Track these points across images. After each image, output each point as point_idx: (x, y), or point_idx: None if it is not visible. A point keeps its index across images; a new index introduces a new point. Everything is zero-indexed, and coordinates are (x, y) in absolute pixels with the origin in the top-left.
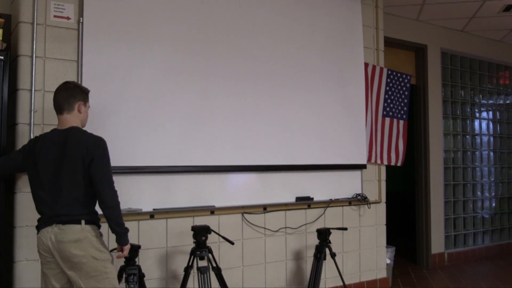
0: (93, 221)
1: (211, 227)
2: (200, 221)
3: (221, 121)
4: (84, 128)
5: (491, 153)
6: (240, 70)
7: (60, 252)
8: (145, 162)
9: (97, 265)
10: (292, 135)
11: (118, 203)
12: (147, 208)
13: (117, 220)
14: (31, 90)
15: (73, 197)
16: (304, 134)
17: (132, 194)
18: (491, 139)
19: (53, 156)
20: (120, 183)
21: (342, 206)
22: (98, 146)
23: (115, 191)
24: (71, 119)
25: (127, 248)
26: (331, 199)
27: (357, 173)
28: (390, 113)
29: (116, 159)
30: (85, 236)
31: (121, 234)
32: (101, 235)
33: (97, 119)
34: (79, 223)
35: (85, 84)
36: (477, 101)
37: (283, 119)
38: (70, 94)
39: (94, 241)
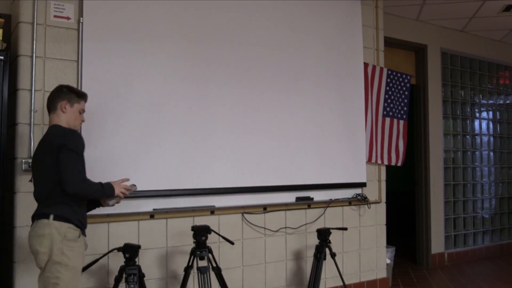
0: (65, 218)
1: (211, 227)
2: (200, 221)
3: (220, 136)
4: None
5: (491, 153)
6: (239, 72)
7: (30, 247)
8: (142, 186)
9: (51, 267)
10: (291, 152)
11: (86, 188)
12: (147, 208)
13: (92, 195)
14: (31, 90)
15: (46, 193)
16: (303, 151)
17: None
18: (491, 139)
19: (36, 155)
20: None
21: (342, 206)
22: (65, 136)
23: (82, 180)
24: (54, 118)
25: (120, 191)
26: (331, 199)
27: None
28: (390, 113)
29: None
30: (49, 232)
31: (102, 195)
32: (79, 236)
33: (95, 132)
34: (47, 217)
35: (84, 84)
36: (477, 101)
37: (282, 135)
38: (55, 94)
39: (57, 239)
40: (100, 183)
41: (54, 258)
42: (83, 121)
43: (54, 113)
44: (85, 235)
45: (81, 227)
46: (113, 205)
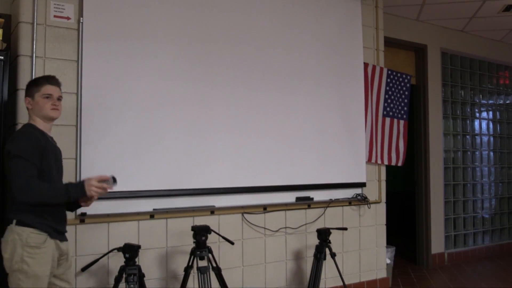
0: (26, 223)
1: (211, 227)
2: (200, 221)
3: (220, 136)
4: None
5: (491, 153)
6: (239, 73)
7: None
8: (142, 186)
9: (12, 274)
10: (291, 153)
11: (33, 196)
12: (147, 208)
13: (49, 201)
14: None
15: (10, 197)
16: (304, 151)
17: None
18: (491, 139)
19: None
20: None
21: (342, 206)
22: (11, 141)
23: (26, 187)
24: (29, 118)
25: (92, 191)
26: (331, 199)
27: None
28: (390, 113)
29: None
30: (12, 238)
31: (67, 199)
32: (44, 241)
33: (95, 132)
34: (11, 222)
35: (84, 84)
36: (477, 101)
37: (282, 135)
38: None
39: (18, 245)
40: (64, 186)
41: (14, 265)
42: (55, 105)
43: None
44: (61, 240)
45: (49, 231)
46: (87, 206)
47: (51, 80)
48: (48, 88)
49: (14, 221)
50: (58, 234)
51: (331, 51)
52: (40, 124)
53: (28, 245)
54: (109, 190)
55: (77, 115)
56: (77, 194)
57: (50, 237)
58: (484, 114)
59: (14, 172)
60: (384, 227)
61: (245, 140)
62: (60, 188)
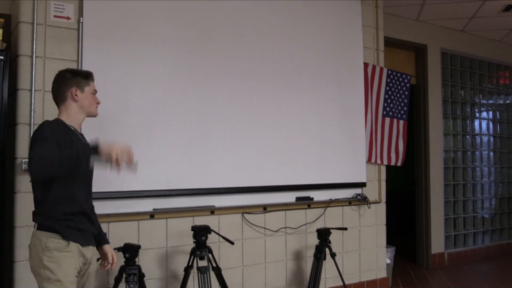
0: (49, 227)
1: (211, 227)
2: (200, 221)
3: (220, 136)
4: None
5: (491, 153)
6: (239, 73)
7: None
8: (142, 186)
9: (38, 282)
10: (291, 152)
11: (42, 165)
12: (147, 208)
13: (61, 168)
14: (31, 90)
15: (34, 197)
16: (303, 151)
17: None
18: (491, 139)
19: None
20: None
21: (342, 206)
22: (36, 130)
23: (38, 158)
24: (63, 111)
25: (111, 152)
26: (331, 199)
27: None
28: (390, 113)
29: (112, 184)
30: (34, 243)
31: (81, 159)
32: (67, 245)
33: (95, 132)
34: (34, 226)
35: None
36: (477, 101)
37: (282, 135)
38: (60, 83)
39: (40, 251)
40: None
41: (37, 270)
42: (98, 103)
43: (63, 104)
44: (83, 244)
45: (73, 234)
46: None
47: (93, 76)
48: (94, 85)
49: (36, 225)
50: (83, 236)
51: (331, 51)
52: (73, 120)
53: (47, 249)
54: (129, 166)
55: None
56: (91, 152)
57: (73, 241)
58: (484, 114)
59: (32, 151)
60: (384, 227)
61: (245, 140)
62: (71, 152)
